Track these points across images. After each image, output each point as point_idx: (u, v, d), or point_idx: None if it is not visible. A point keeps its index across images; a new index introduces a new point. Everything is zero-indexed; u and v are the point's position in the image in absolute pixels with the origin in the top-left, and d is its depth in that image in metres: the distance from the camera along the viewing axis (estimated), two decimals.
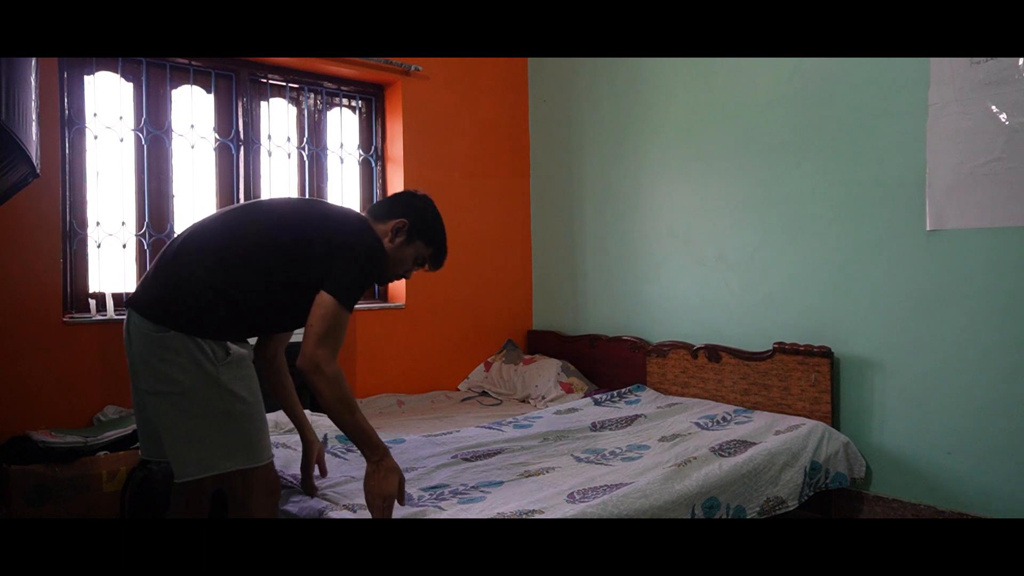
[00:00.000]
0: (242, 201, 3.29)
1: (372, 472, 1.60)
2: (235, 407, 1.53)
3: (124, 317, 2.82)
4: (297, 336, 1.79)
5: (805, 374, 2.68)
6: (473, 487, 1.96)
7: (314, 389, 1.56)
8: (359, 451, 1.68)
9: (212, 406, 1.52)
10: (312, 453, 1.89)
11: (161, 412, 1.54)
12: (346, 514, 1.72)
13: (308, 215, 1.70)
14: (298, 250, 1.62)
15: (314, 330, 1.56)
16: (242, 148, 3.30)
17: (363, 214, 1.79)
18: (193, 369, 1.51)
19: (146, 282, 1.62)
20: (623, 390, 3.17)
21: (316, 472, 1.95)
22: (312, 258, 1.61)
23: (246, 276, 1.58)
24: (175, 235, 1.70)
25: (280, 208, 1.73)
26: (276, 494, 1.66)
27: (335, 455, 2.23)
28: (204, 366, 1.51)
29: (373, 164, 3.73)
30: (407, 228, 1.76)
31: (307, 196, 3.50)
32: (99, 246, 2.92)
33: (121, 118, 2.98)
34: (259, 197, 3.34)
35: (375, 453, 1.61)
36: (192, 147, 3.17)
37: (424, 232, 1.79)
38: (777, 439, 2.37)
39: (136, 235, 3.01)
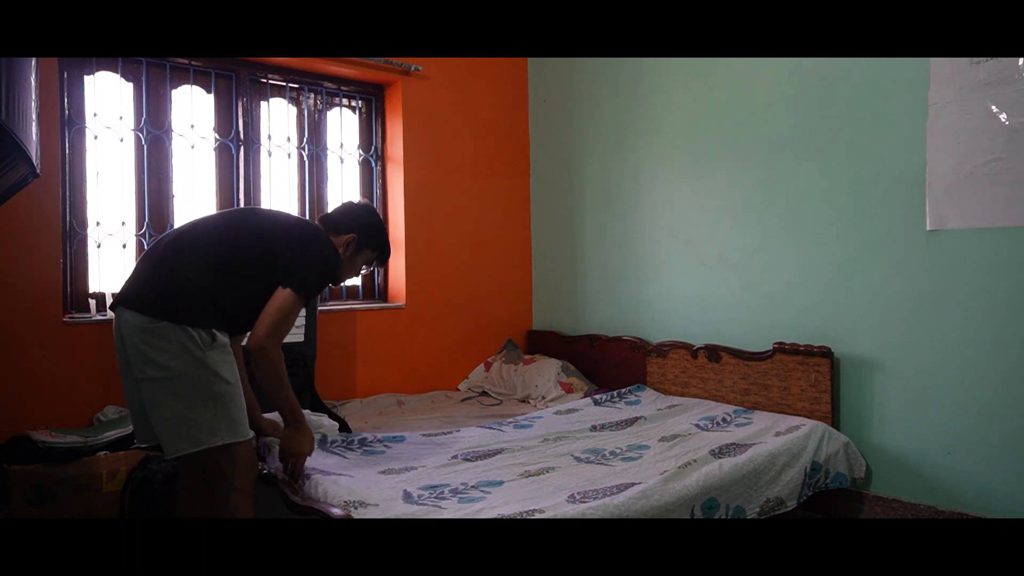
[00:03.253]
0: (241, 203, 3.29)
1: (292, 435, 1.90)
2: (219, 387, 1.69)
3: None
4: None
5: (805, 374, 2.68)
6: (473, 487, 1.96)
7: (257, 366, 1.80)
8: (289, 423, 1.93)
9: (200, 387, 1.67)
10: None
11: (153, 396, 1.68)
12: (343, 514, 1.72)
13: (282, 227, 1.92)
14: (271, 259, 1.83)
15: (270, 319, 1.77)
16: (242, 148, 3.30)
17: (319, 225, 2.05)
18: (182, 355, 1.66)
19: (137, 281, 1.78)
20: (623, 390, 3.17)
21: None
22: (278, 265, 1.82)
23: (234, 281, 1.79)
24: (162, 235, 1.91)
25: (262, 220, 1.93)
26: (255, 469, 1.84)
27: (335, 453, 2.23)
28: (192, 351, 1.67)
29: (373, 164, 3.73)
30: (356, 242, 2.03)
31: (306, 196, 3.51)
32: (99, 246, 2.92)
33: (121, 118, 2.98)
34: (259, 197, 3.35)
35: (296, 419, 1.90)
36: (192, 147, 3.17)
37: (370, 242, 2.06)
38: (777, 440, 2.37)
39: (136, 235, 3.01)
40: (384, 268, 3.76)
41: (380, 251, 2.11)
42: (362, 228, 2.04)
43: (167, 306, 1.68)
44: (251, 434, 1.80)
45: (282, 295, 1.79)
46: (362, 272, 2.14)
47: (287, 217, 2.01)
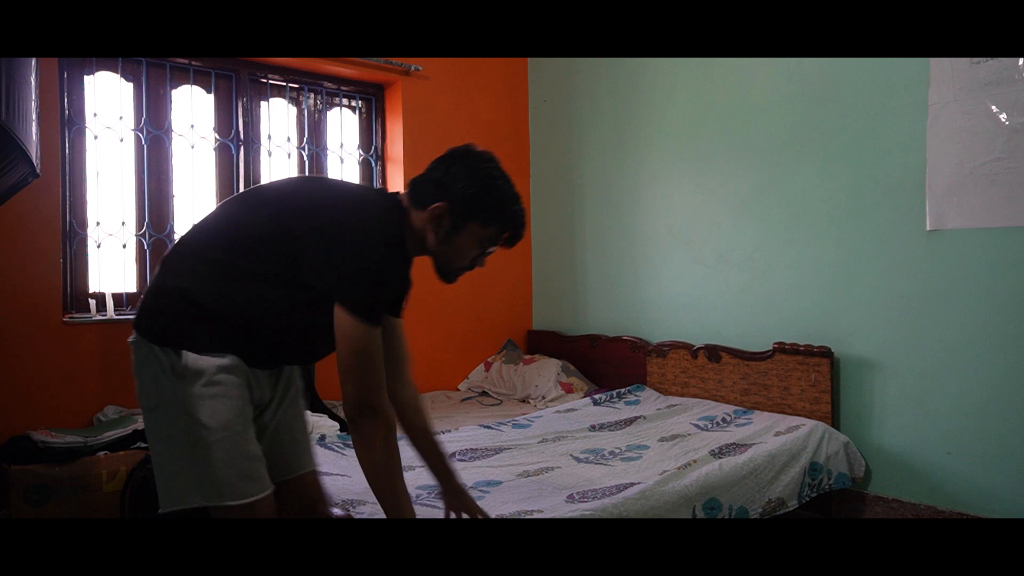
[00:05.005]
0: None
1: None
2: (195, 432, 1.26)
3: (124, 317, 2.85)
4: None
5: (805, 374, 2.68)
6: (471, 486, 1.96)
7: (364, 443, 1.27)
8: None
9: (174, 427, 1.27)
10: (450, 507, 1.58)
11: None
12: (340, 513, 1.72)
13: (298, 198, 1.36)
14: (283, 246, 1.30)
15: (345, 363, 1.26)
16: (242, 148, 3.30)
17: (392, 192, 1.45)
18: (153, 381, 1.28)
19: None
20: (623, 390, 3.17)
21: None
22: (301, 255, 1.29)
23: (221, 280, 1.30)
24: (176, 239, 1.49)
25: (269, 195, 1.39)
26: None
27: (332, 449, 2.22)
28: (160, 378, 1.27)
29: (373, 164, 3.73)
30: (447, 213, 1.35)
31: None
32: (99, 246, 2.92)
33: (121, 118, 2.98)
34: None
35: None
36: (192, 147, 3.17)
37: (474, 211, 1.36)
38: (777, 440, 2.37)
39: (136, 235, 3.01)
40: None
41: (499, 225, 1.39)
42: (455, 191, 1.35)
43: (140, 316, 1.33)
44: (256, 495, 1.30)
45: (340, 323, 1.26)
46: (483, 259, 1.46)
47: (329, 190, 1.40)
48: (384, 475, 1.28)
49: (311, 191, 1.38)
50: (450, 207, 1.35)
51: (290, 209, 1.33)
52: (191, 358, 1.26)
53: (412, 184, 1.42)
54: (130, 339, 1.33)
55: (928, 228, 2.42)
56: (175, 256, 1.36)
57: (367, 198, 1.38)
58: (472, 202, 1.35)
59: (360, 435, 1.27)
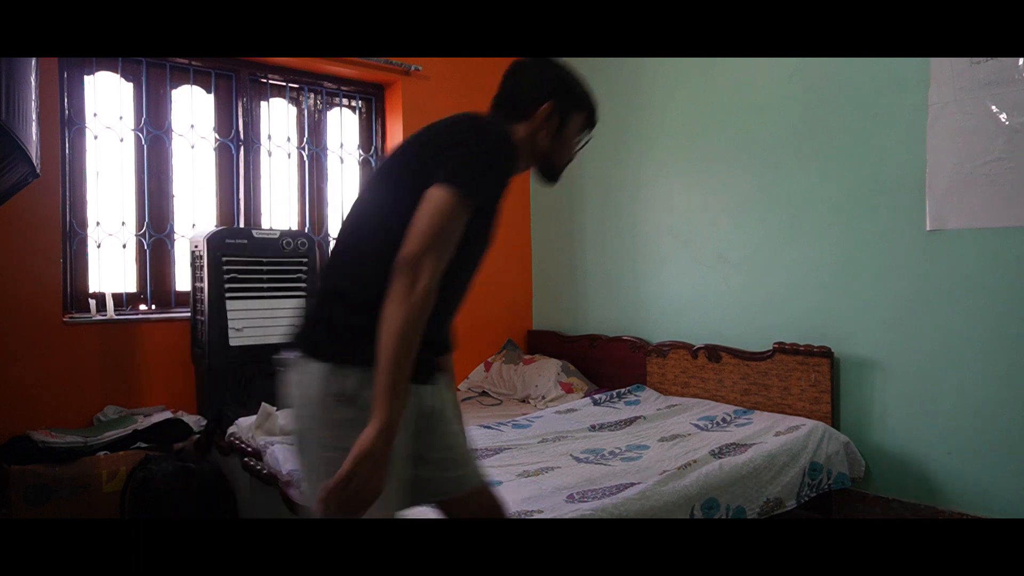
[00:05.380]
0: (241, 204, 3.29)
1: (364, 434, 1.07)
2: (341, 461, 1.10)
3: (123, 317, 2.85)
4: None
5: (805, 374, 2.68)
6: None
7: (400, 297, 1.08)
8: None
9: (323, 456, 1.14)
10: None
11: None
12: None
13: (417, 136, 1.31)
14: (411, 186, 1.18)
15: (420, 225, 1.10)
16: (242, 148, 3.30)
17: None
18: (308, 405, 1.16)
19: None
20: (623, 390, 3.17)
21: None
22: (424, 171, 1.18)
23: (374, 276, 1.15)
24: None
25: (388, 157, 1.34)
26: None
27: None
28: (316, 403, 1.14)
29: (373, 164, 3.73)
30: (555, 108, 1.39)
31: (306, 196, 3.50)
32: (99, 246, 2.92)
33: (121, 118, 2.98)
34: (259, 197, 3.34)
35: (384, 400, 1.07)
36: (192, 147, 3.17)
37: (572, 100, 1.44)
38: (777, 440, 2.37)
39: (136, 235, 3.01)
40: None
41: (589, 107, 1.49)
42: (552, 88, 1.40)
43: (300, 332, 1.23)
44: None
45: (435, 195, 1.13)
46: (580, 148, 1.53)
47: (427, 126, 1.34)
48: (399, 336, 1.07)
49: (426, 128, 1.33)
50: (557, 102, 1.39)
51: (411, 146, 1.29)
52: (353, 380, 1.13)
53: (498, 104, 1.42)
54: (286, 357, 1.21)
55: (928, 228, 2.42)
56: (330, 264, 1.27)
57: (476, 115, 1.35)
58: (568, 92, 1.43)
59: (399, 287, 1.08)
